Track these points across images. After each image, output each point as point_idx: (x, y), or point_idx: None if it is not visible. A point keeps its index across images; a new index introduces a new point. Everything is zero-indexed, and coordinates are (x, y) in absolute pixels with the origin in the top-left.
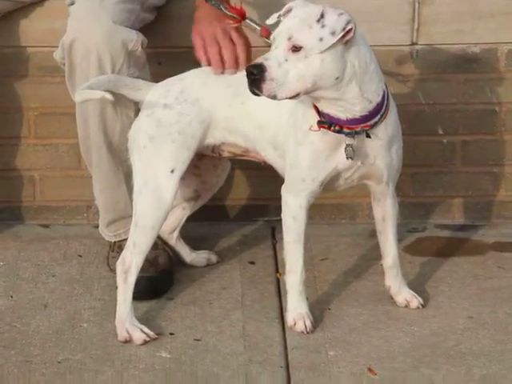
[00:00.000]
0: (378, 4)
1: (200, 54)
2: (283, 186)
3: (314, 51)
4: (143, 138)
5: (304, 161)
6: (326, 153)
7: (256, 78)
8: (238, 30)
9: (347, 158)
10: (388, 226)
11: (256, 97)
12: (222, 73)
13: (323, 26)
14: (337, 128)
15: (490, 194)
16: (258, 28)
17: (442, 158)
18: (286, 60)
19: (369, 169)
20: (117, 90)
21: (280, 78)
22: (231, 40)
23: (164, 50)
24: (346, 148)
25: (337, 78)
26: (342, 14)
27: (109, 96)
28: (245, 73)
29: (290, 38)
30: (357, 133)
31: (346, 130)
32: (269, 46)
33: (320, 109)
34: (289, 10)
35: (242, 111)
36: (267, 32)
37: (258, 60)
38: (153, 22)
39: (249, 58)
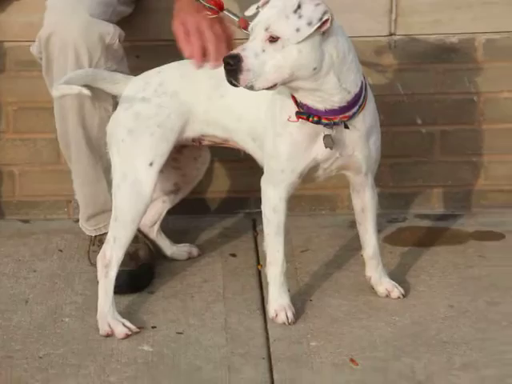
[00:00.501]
0: None
1: (183, 44)
2: (262, 178)
3: (291, 42)
4: (122, 132)
5: (283, 152)
6: (304, 144)
7: (233, 69)
8: (221, 23)
9: (326, 148)
10: (367, 217)
11: (234, 88)
12: (202, 66)
13: (300, 17)
14: (315, 119)
15: (469, 183)
16: (236, 19)
17: (420, 148)
18: (264, 51)
19: (347, 160)
20: (95, 83)
21: (257, 69)
22: (215, 33)
23: (142, 43)
24: (324, 138)
25: (314, 69)
26: (318, 4)
27: (86, 91)
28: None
29: (267, 29)
30: (335, 123)
31: (324, 120)
32: (247, 37)
33: (298, 100)
34: (267, 1)
35: (221, 104)
36: (245, 23)
37: (236, 51)
38: (130, 15)
39: (230, 48)
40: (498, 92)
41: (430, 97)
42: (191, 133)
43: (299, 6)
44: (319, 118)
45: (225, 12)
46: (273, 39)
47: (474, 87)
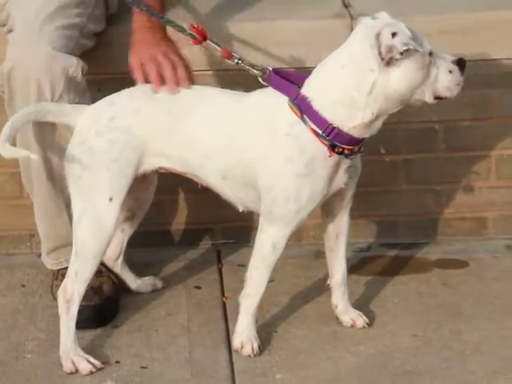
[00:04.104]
0: (314, 27)
1: (137, 73)
2: (265, 219)
3: None
4: (78, 168)
5: (306, 193)
6: (328, 178)
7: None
8: (178, 53)
9: (350, 178)
10: (341, 242)
11: (202, 121)
12: (159, 89)
13: None
14: (339, 150)
15: (433, 211)
16: (219, 48)
17: (384, 177)
18: None
19: (344, 187)
20: (43, 118)
21: None
22: (170, 60)
23: (103, 76)
24: (348, 169)
25: None
26: None
27: (34, 156)
28: (186, 94)
29: None
30: (354, 153)
31: (346, 151)
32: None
33: (359, 132)
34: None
35: (183, 138)
36: (228, 53)
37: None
38: (92, 48)
39: (190, 77)
40: (459, 120)
41: (393, 126)
42: (148, 166)
43: None
44: (343, 150)
45: (208, 41)
46: None
47: (436, 115)
